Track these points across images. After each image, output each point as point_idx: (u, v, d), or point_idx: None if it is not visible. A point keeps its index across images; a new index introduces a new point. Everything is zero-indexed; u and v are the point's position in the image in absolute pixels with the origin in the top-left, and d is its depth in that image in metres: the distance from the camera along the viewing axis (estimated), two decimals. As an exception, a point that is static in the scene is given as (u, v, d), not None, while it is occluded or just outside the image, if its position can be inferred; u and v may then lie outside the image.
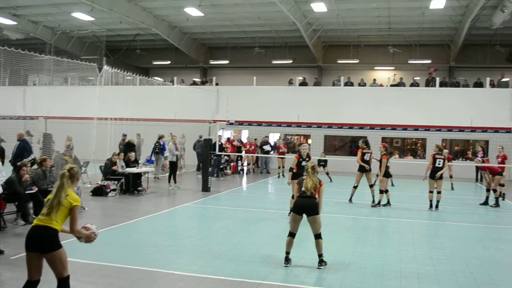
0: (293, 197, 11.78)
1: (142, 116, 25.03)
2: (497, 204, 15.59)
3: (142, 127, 23.60)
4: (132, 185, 16.25)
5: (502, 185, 16.80)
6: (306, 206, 7.96)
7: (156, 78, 33.46)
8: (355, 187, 15.29)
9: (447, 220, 13.26)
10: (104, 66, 20.84)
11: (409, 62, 32.20)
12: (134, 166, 16.97)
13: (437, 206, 14.36)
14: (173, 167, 18.25)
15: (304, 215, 8.02)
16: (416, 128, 23.95)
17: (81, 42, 37.11)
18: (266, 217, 12.82)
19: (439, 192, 14.39)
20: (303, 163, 11.90)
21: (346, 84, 28.71)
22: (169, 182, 18.04)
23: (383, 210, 14.36)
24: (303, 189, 8.10)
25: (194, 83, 33.74)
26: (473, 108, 24.95)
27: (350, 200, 15.31)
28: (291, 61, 34.00)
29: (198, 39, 35.85)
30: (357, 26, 30.47)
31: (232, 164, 24.70)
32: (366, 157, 15.19)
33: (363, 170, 15.09)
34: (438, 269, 8.21)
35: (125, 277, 7.26)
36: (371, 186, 15.19)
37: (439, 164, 14.27)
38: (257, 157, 25.62)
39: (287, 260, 8.07)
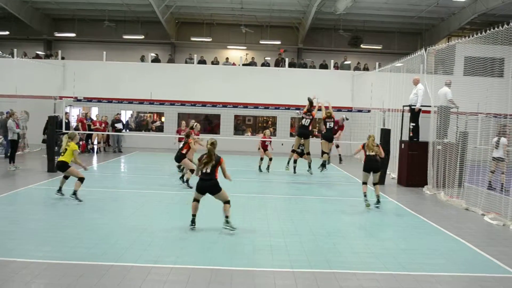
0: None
1: (-24, 91, 22.68)
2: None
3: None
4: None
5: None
6: (208, 187, 9.01)
7: (-8, 49, 30.37)
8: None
9: (294, 194, 14.00)
10: None
11: (261, 42, 33.12)
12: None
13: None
14: (14, 146, 16.85)
15: None
16: (267, 106, 24.79)
17: None
18: (118, 197, 12.43)
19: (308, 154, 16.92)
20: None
21: (199, 62, 28.72)
22: (9, 162, 16.64)
23: (230, 186, 14.67)
24: (204, 170, 8.99)
25: (38, 57, 31.32)
26: (319, 88, 26.33)
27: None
28: (143, 37, 33.01)
29: (41, 9, 33.13)
30: (210, 4, 30.52)
31: (81, 142, 23.47)
32: (328, 125, 16.43)
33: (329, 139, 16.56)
34: (288, 241, 8.60)
35: (-42, 269, 6.53)
36: (308, 153, 16.74)
37: (329, 127, 16.34)
38: (107, 135, 24.69)
39: (193, 222, 9.07)
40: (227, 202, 9.08)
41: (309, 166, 17.01)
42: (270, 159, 18.22)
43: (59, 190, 11.78)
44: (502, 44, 11.71)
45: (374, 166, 12.17)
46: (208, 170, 8.96)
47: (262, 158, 18.36)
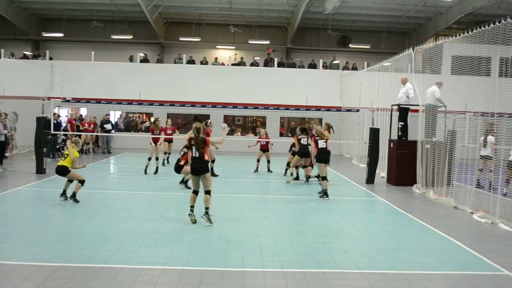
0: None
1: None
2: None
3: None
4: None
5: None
6: (199, 168, 9.61)
7: (-21, 50, 30.04)
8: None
9: (283, 194, 14.00)
10: None
11: (249, 42, 33.11)
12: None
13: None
14: (1, 147, 16.69)
15: None
16: (256, 106, 24.83)
17: None
18: (107, 199, 12.35)
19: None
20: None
21: (188, 62, 28.66)
22: (-1, 164, 16.52)
23: (220, 186, 14.65)
24: (194, 154, 9.67)
25: (25, 57, 31.08)
26: (308, 88, 26.49)
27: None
28: (131, 37, 32.89)
29: (28, 9, 32.89)
30: (199, 4, 30.49)
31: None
32: (303, 141, 15.84)
33: (303, 154, 15.84)
34: (278, 241, 8.60)
35: None
36: (304, 166, 16.20)
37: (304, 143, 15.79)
38: (97, 136, 24.55)
39: (191, 211, 9.68)
40: (208, 192, 9.63)
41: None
42: (268, 161, 18.11)
43: (63, 194, 11.74)
44: (489, 43, 11.80)
45: (327, 157, 13.43)
46: (197, 155, 9.64)
47: (259, 160, 18.24)
